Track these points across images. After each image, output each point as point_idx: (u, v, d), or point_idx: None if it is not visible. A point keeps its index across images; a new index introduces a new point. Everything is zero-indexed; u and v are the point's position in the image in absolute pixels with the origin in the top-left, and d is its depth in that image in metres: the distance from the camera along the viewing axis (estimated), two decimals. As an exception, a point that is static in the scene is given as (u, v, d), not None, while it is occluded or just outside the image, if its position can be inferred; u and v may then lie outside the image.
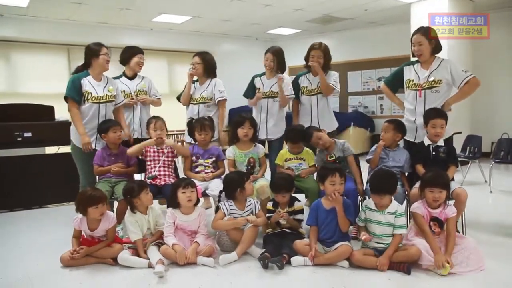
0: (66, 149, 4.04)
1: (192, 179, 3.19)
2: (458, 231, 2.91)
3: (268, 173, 3.73)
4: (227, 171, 3.50)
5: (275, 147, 4.00)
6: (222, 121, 4.09)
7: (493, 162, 5.04)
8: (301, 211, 3.13)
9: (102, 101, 3.58)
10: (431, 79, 3.31)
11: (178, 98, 4.20)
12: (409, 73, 3.46)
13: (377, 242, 2.74)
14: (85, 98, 3.52)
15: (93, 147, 3.53)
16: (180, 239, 2.91)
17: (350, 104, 9.22)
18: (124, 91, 4.00)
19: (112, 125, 3.47)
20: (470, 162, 5.53)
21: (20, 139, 4.58)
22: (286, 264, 2.71)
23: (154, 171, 3.48)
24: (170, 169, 3.56)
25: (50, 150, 4.95)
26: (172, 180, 3.41)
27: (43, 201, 4.72)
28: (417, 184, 2.98)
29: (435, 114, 3.16)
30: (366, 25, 8.45)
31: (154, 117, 3.68)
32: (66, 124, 3.90)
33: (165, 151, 3.55)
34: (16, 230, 3.84)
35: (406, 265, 2.57)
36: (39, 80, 7.36)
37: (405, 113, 3.52)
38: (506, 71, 7.28)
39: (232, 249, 2.91)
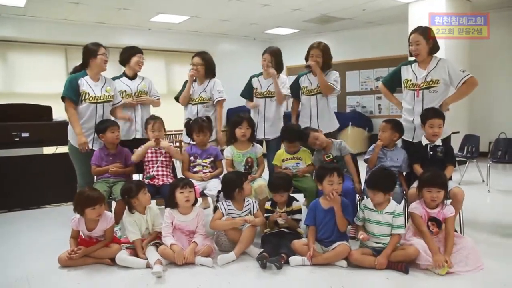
0: (64, 149, 4.02)
1: (190, 179, 3.19)
2: (456, 231, 2.92)
3: (266, 173, 3.73)
4: (225, 171, 3.51)
5: (273, 147, 4.00)
6: (220, 121, 4.10)
7: (491, 162, 5.05)
8: (299, 211, 3.13)
9: (99, 101, 3.58)
10: (428, 79, 3.31)
11: (176, 98, 4.19)
12: (406, 73, 3.46)
13: (375, 242, 2.75)
14: (83, 98, 3.52)
15: (90, 147, 3.53)
16: (178, 239, 2.91)
17: (348, 104, 9.21)
18: (125, 91, 4.00)
19: (109, 125, 3.47)
20: (467, 162, 5.53)
21: (17, 139, 4.56)
22: (284, 264, 2.71)
23: (152, 171, 3.48)
24: (168, 169, 3.56)
25: (47, 150, 4.93)
26: (170, 180, 3.41)
27: (42, 201, 4.70)
28: (415, 184, 2.99)
29: (433, 114, 3.16)
30: (364, 25, 8.45)
31: (152, 117, 3.68)
32: (64, 124, 3.89)
33: (163, 151, 3.55)
34: (14, 230, 3.83)
35: (404, 264, 2.58)
36: (37, 80, 7.32)
37: (403, 113, 3.53)
38: (504, 70, 7.28)
39: (230, 249, 2.91)
